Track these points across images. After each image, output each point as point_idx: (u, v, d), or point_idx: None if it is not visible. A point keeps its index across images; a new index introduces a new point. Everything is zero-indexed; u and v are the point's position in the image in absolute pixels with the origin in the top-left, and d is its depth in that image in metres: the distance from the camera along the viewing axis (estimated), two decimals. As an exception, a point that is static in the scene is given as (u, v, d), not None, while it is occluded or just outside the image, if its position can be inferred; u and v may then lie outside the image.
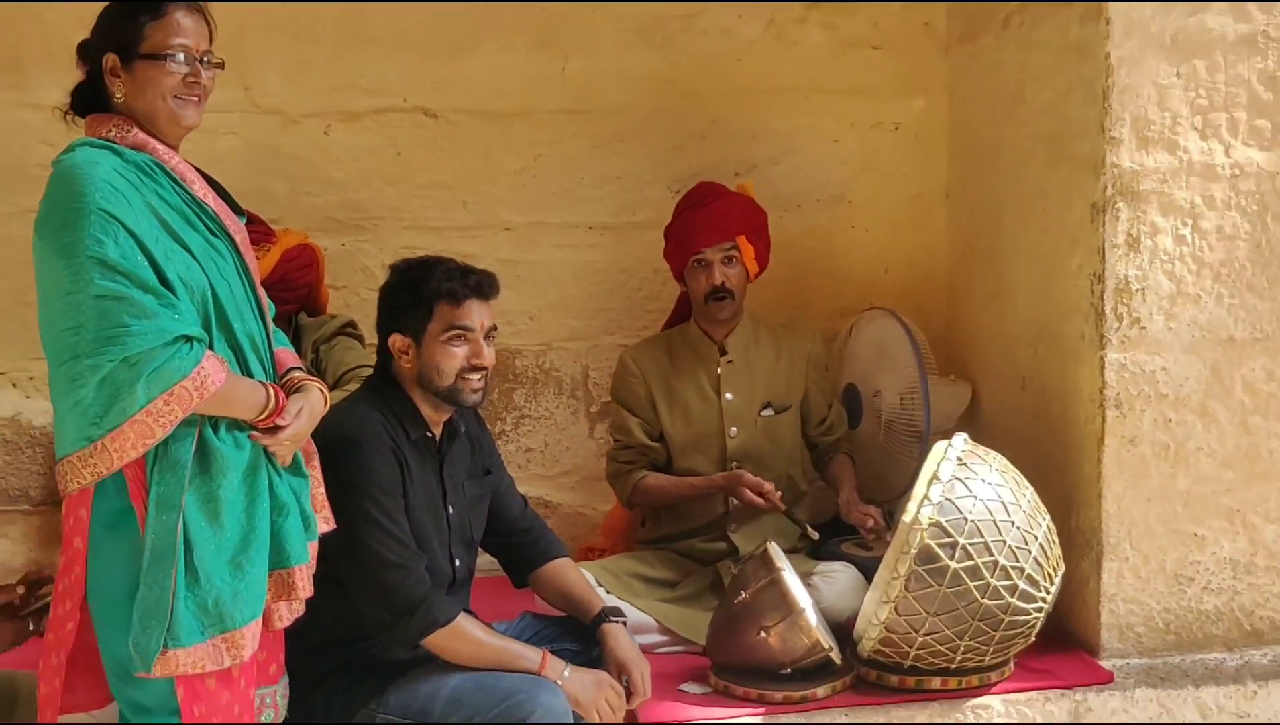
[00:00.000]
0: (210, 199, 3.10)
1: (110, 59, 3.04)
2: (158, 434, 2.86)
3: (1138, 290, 4.14)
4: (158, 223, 2.94)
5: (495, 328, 3.62)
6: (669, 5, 5.21)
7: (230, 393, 2.93)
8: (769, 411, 4.62)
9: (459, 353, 3.53)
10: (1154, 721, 4.09)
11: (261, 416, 3.01)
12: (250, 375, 3.06)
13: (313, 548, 3.17)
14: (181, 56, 3.06)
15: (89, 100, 3.10)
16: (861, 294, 5.35)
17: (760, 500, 4.34)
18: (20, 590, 3.48)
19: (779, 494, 4.37)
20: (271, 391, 3.03)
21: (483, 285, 3.57)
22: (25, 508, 5.01)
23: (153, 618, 2.86)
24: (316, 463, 3.27)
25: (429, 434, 3.60)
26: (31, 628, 3.50)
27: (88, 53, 3.10)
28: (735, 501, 4.47)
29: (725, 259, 4.49)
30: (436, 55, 5.11)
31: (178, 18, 3.08)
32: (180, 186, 3.04)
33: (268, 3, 4.85)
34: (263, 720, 3.18)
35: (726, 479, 4.41)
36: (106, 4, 3.12)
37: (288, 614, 3.15)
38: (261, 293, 3.22)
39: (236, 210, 3.21)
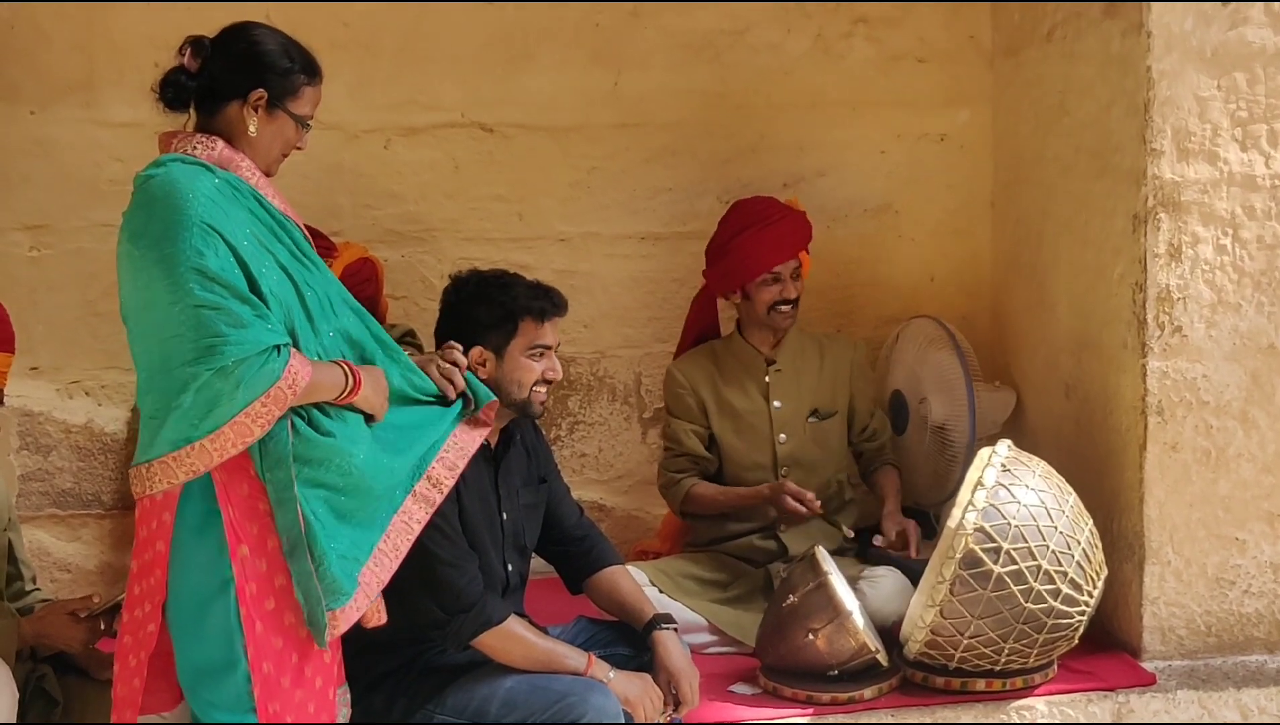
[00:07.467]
0: (292, 213, 3.17)
1: (259, 94, 3.10)
2: (255, 433, 2.91)
3: (1179, 299, 4.13)
4: (252, 237, 2.99)
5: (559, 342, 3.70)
6: (718, 21, 5.22)
7: (316, 381, 2.99)
8: (815, 418, 4.63)
9: (537, 367, 3.61)
10: (1195, 723, 4.08)
11: (342, 395, 3.05)
12: None
13: None
14: (310, 124, 3.21)
15: (185, 94, 3.13)
16: (907, 303, 5.34)
17: (802, 508, 4.33)
18: (96, 599, 3.54)
19: (819, 503, 4.37)
20: (346, 368, 3.07)
21: (560, 304, 3.66)
22: (98, 512, 5.05)
23: (313, 597, 2.97)
24: None
25: (485, 442, 3.63)
26: (103, 628, 3.55)
27: (210, 56, 3.12)
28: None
29: (793, 273, 4.55)
30: (492, 72, 5.14)
31: (320, 89, 3.22)
32: (264, 201, 3.09)
33: (330, 20, 4.90)
34: (340, 720, 3.23)
35: (771, 489, 4.41)
36: (255, 29, 3.17)
37: (375, 615, 3.20)
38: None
39: None
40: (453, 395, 3.36)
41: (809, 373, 4.66)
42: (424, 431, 3.26)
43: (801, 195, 4.98)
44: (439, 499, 3.25)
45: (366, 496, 3.09)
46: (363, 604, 3.08)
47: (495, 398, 3.42)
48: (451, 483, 3.27)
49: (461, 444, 3.32)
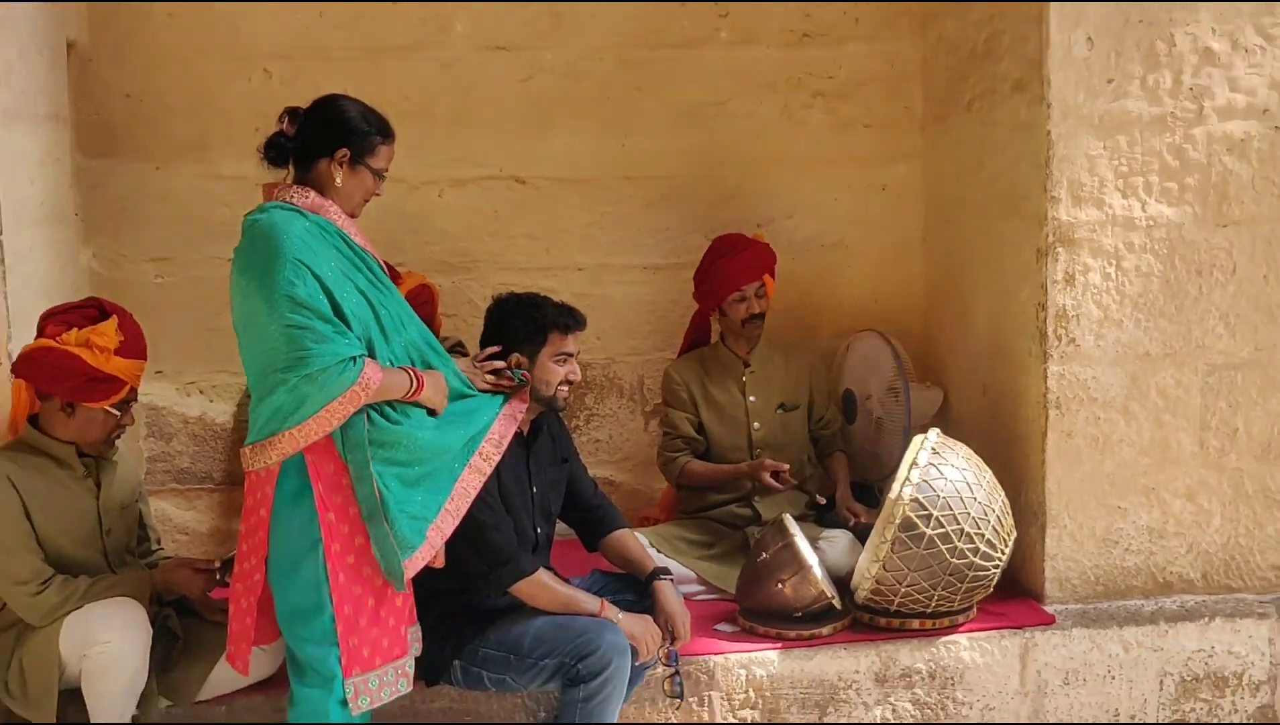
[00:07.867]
0: (370, 247, 3.17)
1: (344, 152, 3.12)
2: (334, 424, 2.95)
3: (1073, 316, 4.12)
4: (336, 269, 3.00)
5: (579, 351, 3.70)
6: (705, 95, 5.20)
7: (386, 384, 3.01)
8: (782, 410, 4.62)
9: (561, 370, 3.60)
10: (1085, 654, 4.09)
11: (408, 394, 3.08)
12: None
13: None
14: (385, 175, 3.21)
15: (284, 153, 3.16)
16: (856, 318, 5.31)
17: (776, 483, 4.32)
18: (217, 563, 3.55)
19: (789, 478, 4.36)
20: (411, 373, 3.10)
21: (581, 320, 3.66)
22: (209, 486, 5.05)
23: (390, 552, 3.00)
24: None
25: (519, 430, 3.62)
26: (218, 579, 3.55)
27: (304, 123, 3.15)
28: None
29: (757, 292, 4.52)
30: (525, 136, 5.12)
31: (393, 147, 3.24)
32: (347, 239, 3.10)
33: (395, 94, 4.89)
34: (412, 654, 3.25)
35: (751, 467, 4.41)
36: (340, 100, 3.19)
37: (437, 560, 3.22)
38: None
39: None
40: (505, 390, 3.43)
41: (777, 374, 4.65)
42: (474, 418, 3.28)
43: (770, 234, 4.96)
44: (489, 470, 3.27)
45: (431, 465, 3.12)
46: (427, 554, 3.10)
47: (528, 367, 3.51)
48: (498, 457, 3.30)
49: (504, 428, 3.35)
